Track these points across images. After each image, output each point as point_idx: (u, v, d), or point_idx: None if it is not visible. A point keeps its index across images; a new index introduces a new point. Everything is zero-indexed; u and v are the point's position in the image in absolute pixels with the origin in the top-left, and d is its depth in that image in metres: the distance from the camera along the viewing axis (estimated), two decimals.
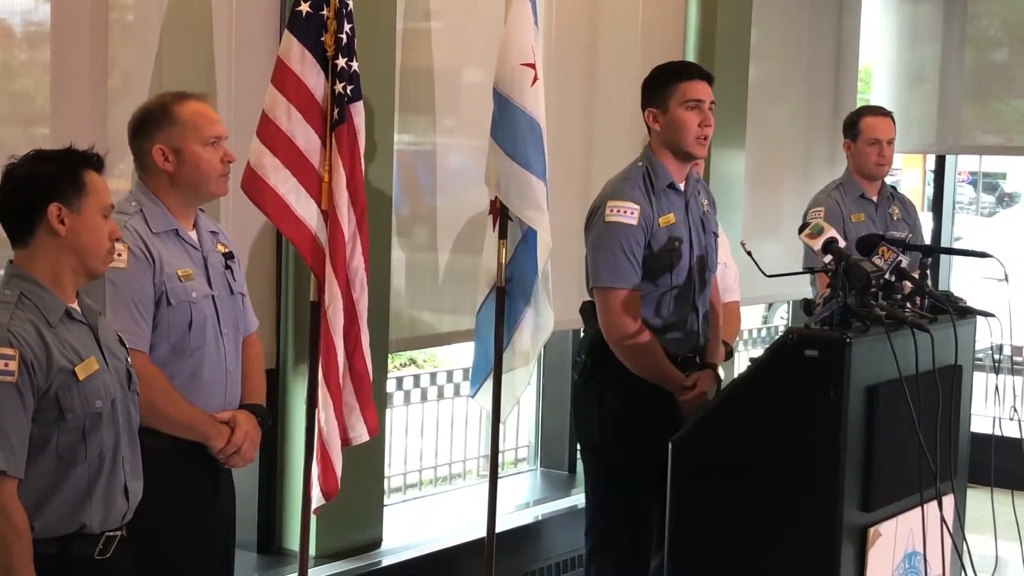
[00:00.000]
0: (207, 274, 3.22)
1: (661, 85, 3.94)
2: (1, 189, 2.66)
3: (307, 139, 3.65)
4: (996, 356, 6.17)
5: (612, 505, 3.98)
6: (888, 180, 5.31)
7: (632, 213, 3.85)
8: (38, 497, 2.60)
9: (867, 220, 5.00)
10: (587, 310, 4.04)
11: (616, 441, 3.94)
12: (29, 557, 2.55)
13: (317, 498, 3.73)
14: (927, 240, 6.32)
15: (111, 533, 2.72)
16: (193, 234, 3.24)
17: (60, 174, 2.64)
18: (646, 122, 3.98)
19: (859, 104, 7.00)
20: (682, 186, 3.99)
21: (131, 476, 2.76)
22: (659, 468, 3.75)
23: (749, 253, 3.80)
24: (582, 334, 4.11)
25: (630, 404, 3.91)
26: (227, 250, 3.32)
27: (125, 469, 2.74)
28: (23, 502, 2.56)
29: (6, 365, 2.53)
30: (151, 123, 3.17)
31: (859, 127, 5.07)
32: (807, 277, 5.07)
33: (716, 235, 4.14)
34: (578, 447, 4.15)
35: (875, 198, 5.10)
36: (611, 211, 3.87)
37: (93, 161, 2.69)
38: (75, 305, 2.70)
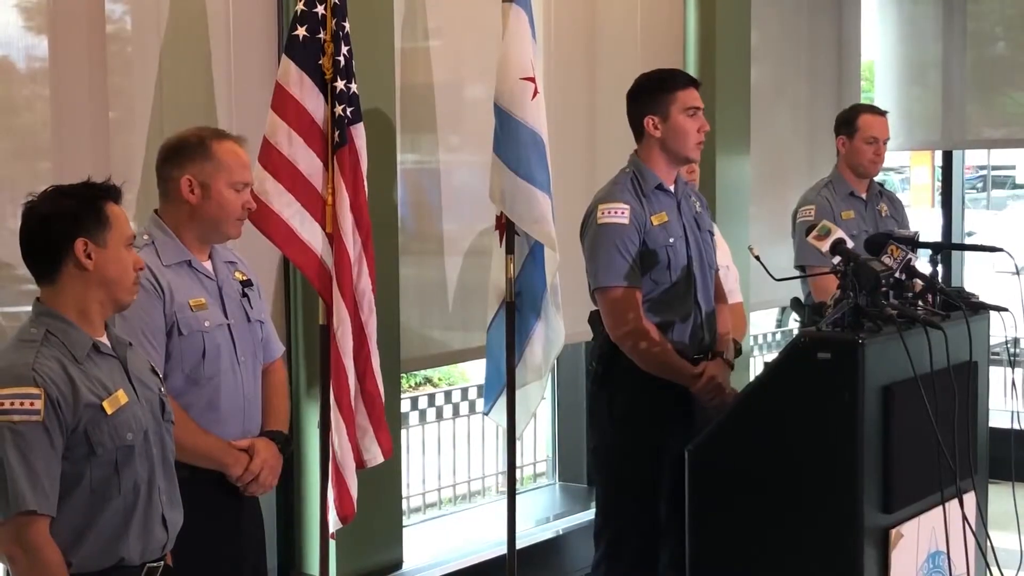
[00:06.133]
0: (222, 303, 3.22)
1: (659, 93, 4.01)
2: (25, 227, 2.65)
3: (309, 163, 3.66)
4: (1012, 350, 6.13)
5: (622, 510, 3.98)
6: (896, 178, 5.30)
7: (623, 213, 3.89)
8: (74, 533, 2.60)
9: (857, 217, 5.00)
10: (594, 319, 4.05)
11: (626, 446, 3.94)
12: None
13: (334, 522, 3.72)
14: (931, 236, 6.29)
15: (152, 564, 2.72)
16: (208, 264, 3.24)
17: (82, 209, 2.63)
18: (643, 128, 4.02)
19: (864, 102, 7.00)
20: (672, 188, 4.04)
21: (168, 506, 2.75)
22: (672, 472, 3.75)
23: (757, 257, 3.79)
24: (592, 343, 4.11)
25: (642, 409, 3.91)
26: (245, 278, 3.33)
27: (162, 500, 2.73)
28: (59, 539, 2.56)
29: (32, 404, 2.52)
30: (185, 153, 3.18)
31: (857, 124, 5.05)
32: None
33: (712, 233, 4.17)
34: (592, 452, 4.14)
35: (864, 195, 5.10)
36: (602, 213, 3.92)
37: (112, 193, 2.68)
38: (103, 338, 2.69)
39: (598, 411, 4.05)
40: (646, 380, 3.89)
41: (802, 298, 4.86)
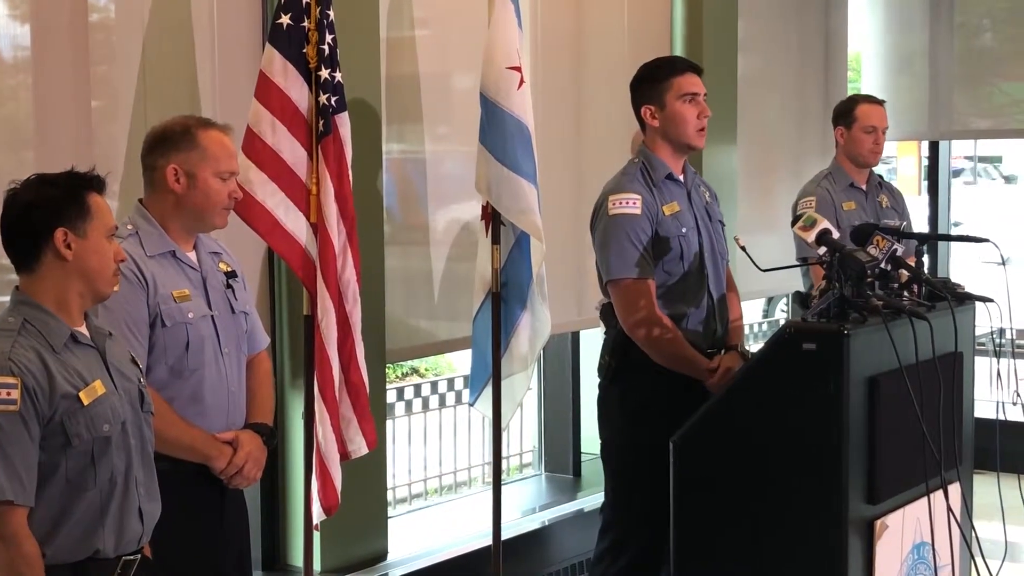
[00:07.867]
0: (206, 294, 3.20)
1: (655, 81, 3.98)
2: (5, 215, 2.63)
3: (293, 152, 3.64)
4: (998, 340, 6.14)
5: (632, 504, 3.97)
6: (883, 168, 5.31)
7: (634, 203, 3.87)
8: (49, 524, 2.58)
9: (858, 208, 4.99)
10: (606, 312, 4.02)
11: (637, 440, 3.92)
12: None
13: (318, 513, 3.71)
14: (918, 227, 6.30)
15: (128, 557, 2.70)
16: (192, 255, 3.22)
17: (64, 198, 2.61)
18: (642, 119, 4.00)
19: (850, 92, 6.99)
20: (681, 177, 4.01)
21: (145, 498, 2.73)
22: None
23: (743, 248, 3.78)
24: (603, 336, 4.08)
25: (653, 403, 3.90)
26: (229, 269, 3.31)
27: (139, 492, 2.71)
28: (34, 529, 2.55)
29: (8, 394, 2.51)
30: (170, 142, 3.17)
31: (855, 114, 5.04)
32: (801, 269, 5.06)
33: (723, 224, 4.15)
34: (599, 447, 4.12)
35: (864, 186, 5.08)
36: (613, 204, 3.89)
37: (95, 183, 2.66)
38: (82, 328, 2.68)
39: (609, 405, 4.03)
40: (658, 374, 3.87)
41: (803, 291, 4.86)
